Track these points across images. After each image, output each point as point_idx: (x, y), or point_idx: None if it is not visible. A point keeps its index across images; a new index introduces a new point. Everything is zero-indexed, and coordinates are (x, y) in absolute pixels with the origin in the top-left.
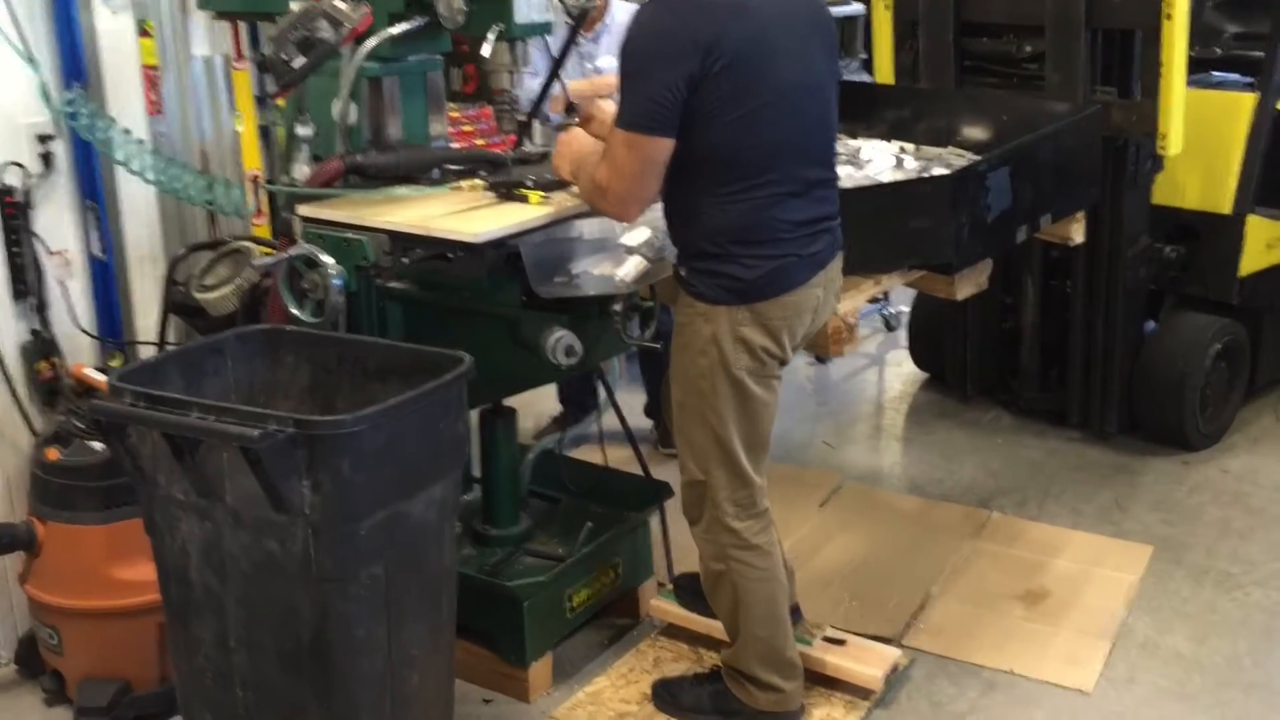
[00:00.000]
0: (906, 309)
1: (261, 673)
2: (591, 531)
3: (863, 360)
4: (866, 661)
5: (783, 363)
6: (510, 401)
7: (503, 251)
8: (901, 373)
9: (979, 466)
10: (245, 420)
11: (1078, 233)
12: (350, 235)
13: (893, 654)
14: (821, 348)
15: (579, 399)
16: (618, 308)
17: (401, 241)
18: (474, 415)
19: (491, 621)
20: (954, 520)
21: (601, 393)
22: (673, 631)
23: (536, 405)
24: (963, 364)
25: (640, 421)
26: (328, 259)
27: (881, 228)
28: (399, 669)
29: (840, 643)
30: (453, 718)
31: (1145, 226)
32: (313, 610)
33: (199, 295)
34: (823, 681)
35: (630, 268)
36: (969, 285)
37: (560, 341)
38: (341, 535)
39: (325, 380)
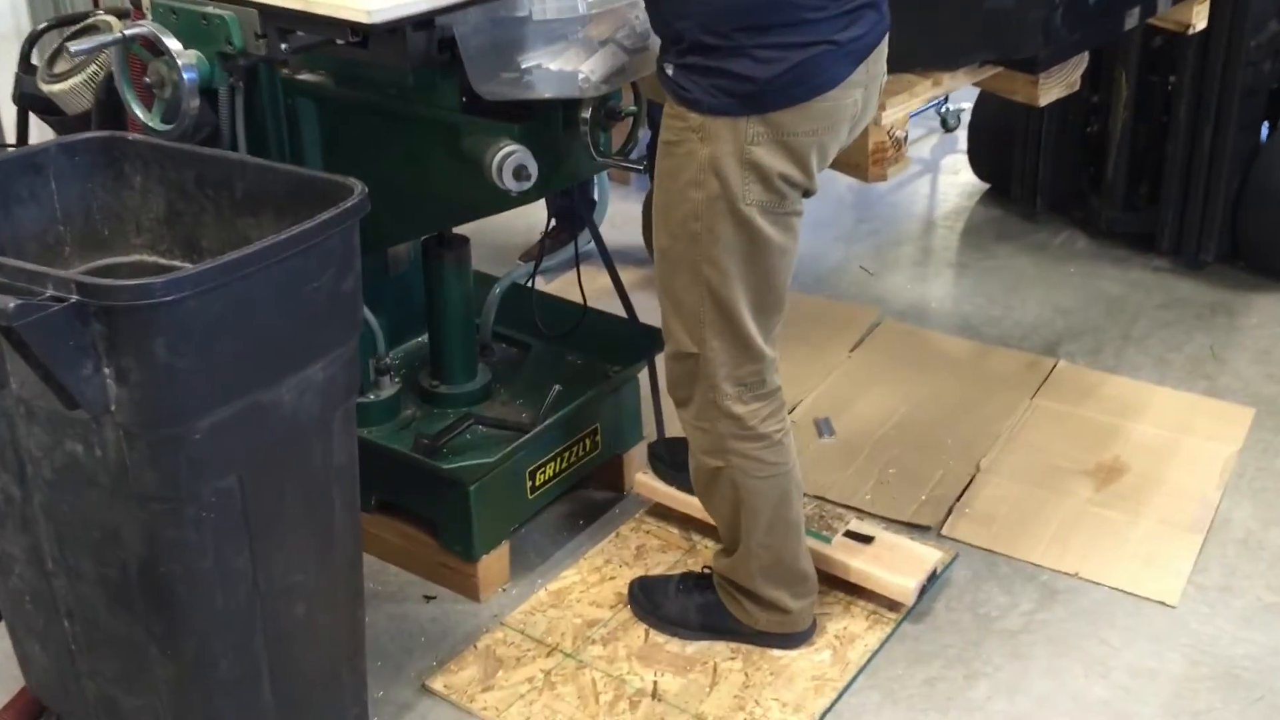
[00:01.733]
0: (968, 106)
1: (87, 604)
2: (561, 395)
3: (912, 167)
4: (897, 567)
5: (807, 193)
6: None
7: (430, 36)
8: (958, 183)
9: (1045, 302)
10: (12, 280)
11: (1199, 17)
12: (210, 11)
13: (930, 557)
14: (856, 168)
15: (573, 211)
16: (586, 115)
17: (275, 21)
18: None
19: (432, 507)
20: (1012, 371)
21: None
22: (661, 512)
23: (530, 215)
24: (1033, 174)
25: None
26: (174, 43)
27: (946, 8)
28: (273, 601)
29: (866, 539)
30: (364, 647)
31: (1275, 9)
32: (138, 536)
33: (45, 86)
34: (842, 585)
35: (599, 62)
36: (1056, 87)
37: (509, 159)
38: (166, 440)
39: (185, 210)
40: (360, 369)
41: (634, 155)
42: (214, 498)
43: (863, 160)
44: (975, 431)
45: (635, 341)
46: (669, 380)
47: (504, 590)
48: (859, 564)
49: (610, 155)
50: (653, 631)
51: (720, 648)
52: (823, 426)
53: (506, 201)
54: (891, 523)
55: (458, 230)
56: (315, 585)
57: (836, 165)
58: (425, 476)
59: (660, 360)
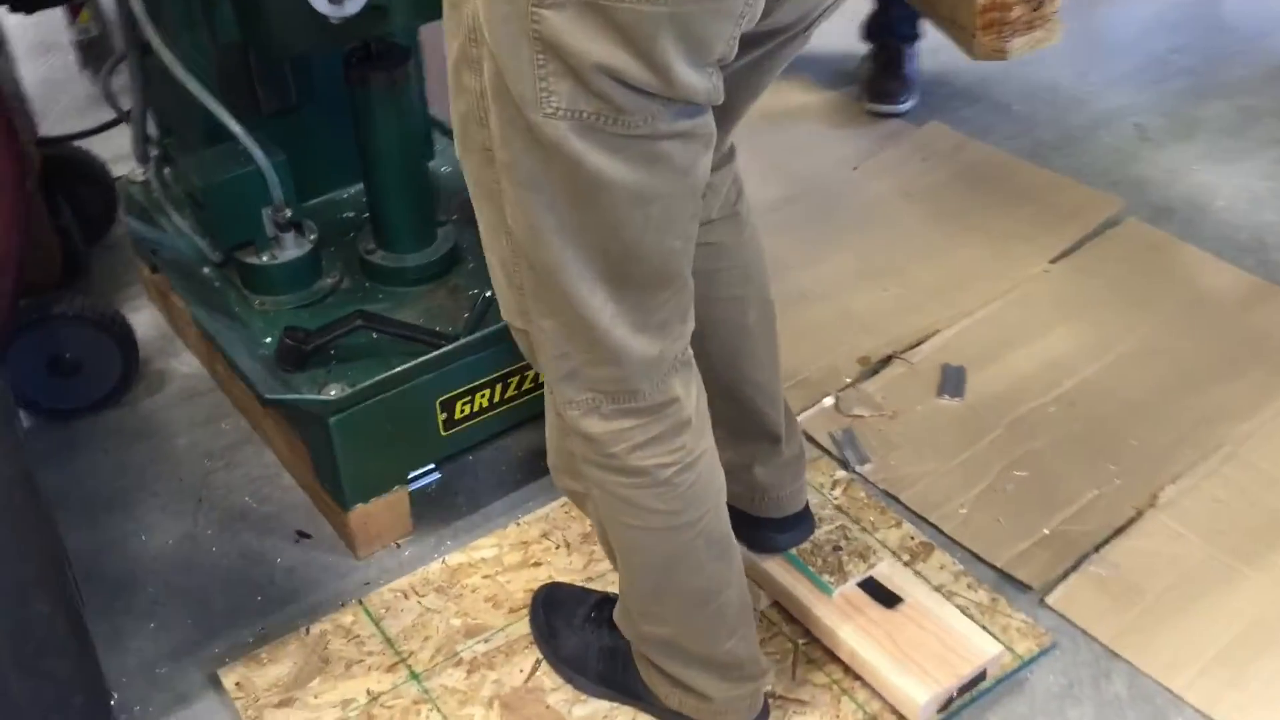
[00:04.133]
0: None
1: None
2: (488, 302)
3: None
4: (919, 658)
5: (690, 102)
6: None
7: None
8: None
9: None
10: None
11: None
12: None
13: (982, 651)
14: (960, 31)
15: None
16: None
17: None
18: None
19: (302, 428)
20: None
21: None
22: None
23: None
24: None
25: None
26: None
27: None
28: None
29: (889, 600)
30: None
31: None
32: None
33: None
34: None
35: None
36: None
37: None
38: None
39: None
40: None
41: None
42: None
43: (967, 19)
44: (1186, 431)
45: None
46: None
47: (398, 546)
48: (860, 640)
49: None
50: (544, 666)
51: (626, 715)
52: (949, 379)
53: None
54: (976, 563)
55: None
56: None
57: (934, 21)
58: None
59: None
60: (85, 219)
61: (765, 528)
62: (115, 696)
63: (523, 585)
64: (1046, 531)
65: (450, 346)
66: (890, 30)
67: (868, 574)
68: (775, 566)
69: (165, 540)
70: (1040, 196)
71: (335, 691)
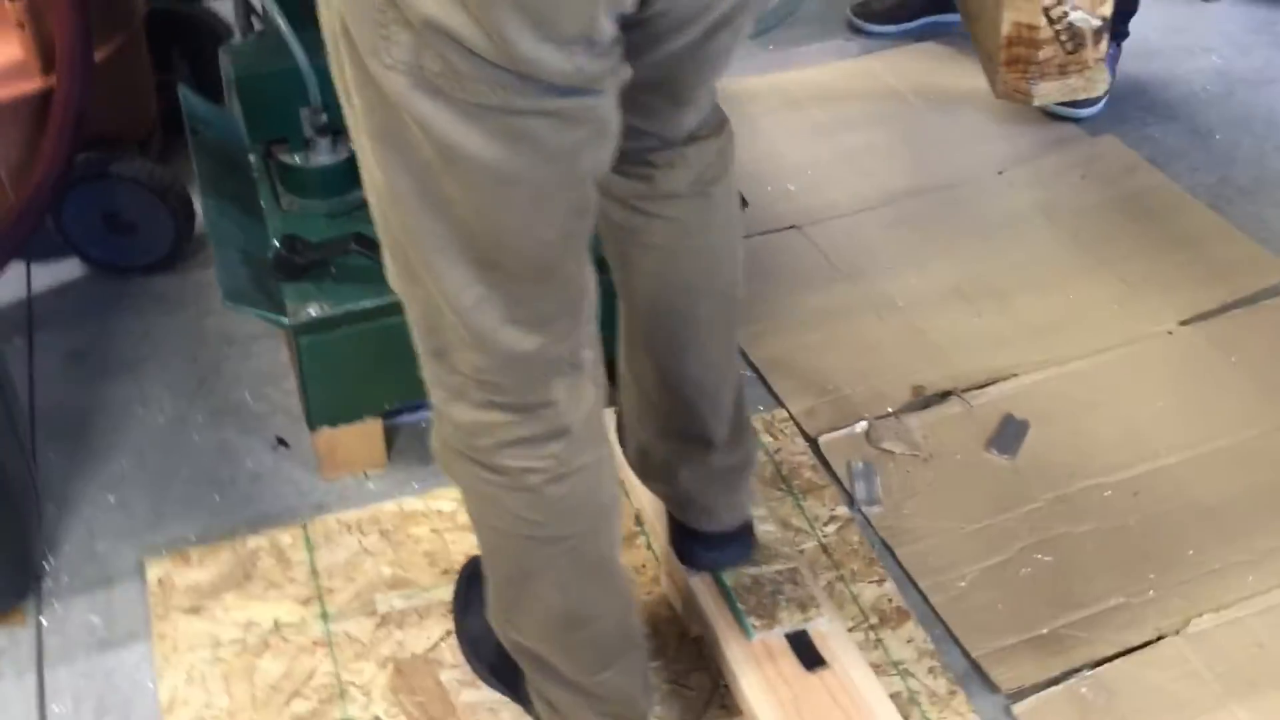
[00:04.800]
0: None
1: None
2: None
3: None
4: None
5: (551, 82)
6: None
7: None
8: None
9: None
10: None
11: None
12: None
13: None
14: (989, 61)
15: None
16: None
17: None
18: None
19: (293, 346)
20: None
21: None
22: None
23: None
24: None
25: None
26: None
27: None
28: None
29: (813, 660)
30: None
31: None
32: None
33: None
34: None
35: None
36: None
37: None
38: None
39: None
40: None
41: None
42: None
43: (994, 48)
44: (1257, 558)
45: None
46: None
47: (365, 477)
48: (760, 695)
49: None
50: (452, 639)
51: (512, 713)
52: (1005, 432)
53: None
54: (951, 646)
55: None
56: None
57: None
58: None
59: None
60: (205, 83)
61: (690, 539)
62: (51, 562)
63: (466, 548)
64: (1045, 631)
65: None
66: None
67: (800, 627)
68: (704, 590)
69: (158, 417)
70: (1199, 244)
71: (245, 611)
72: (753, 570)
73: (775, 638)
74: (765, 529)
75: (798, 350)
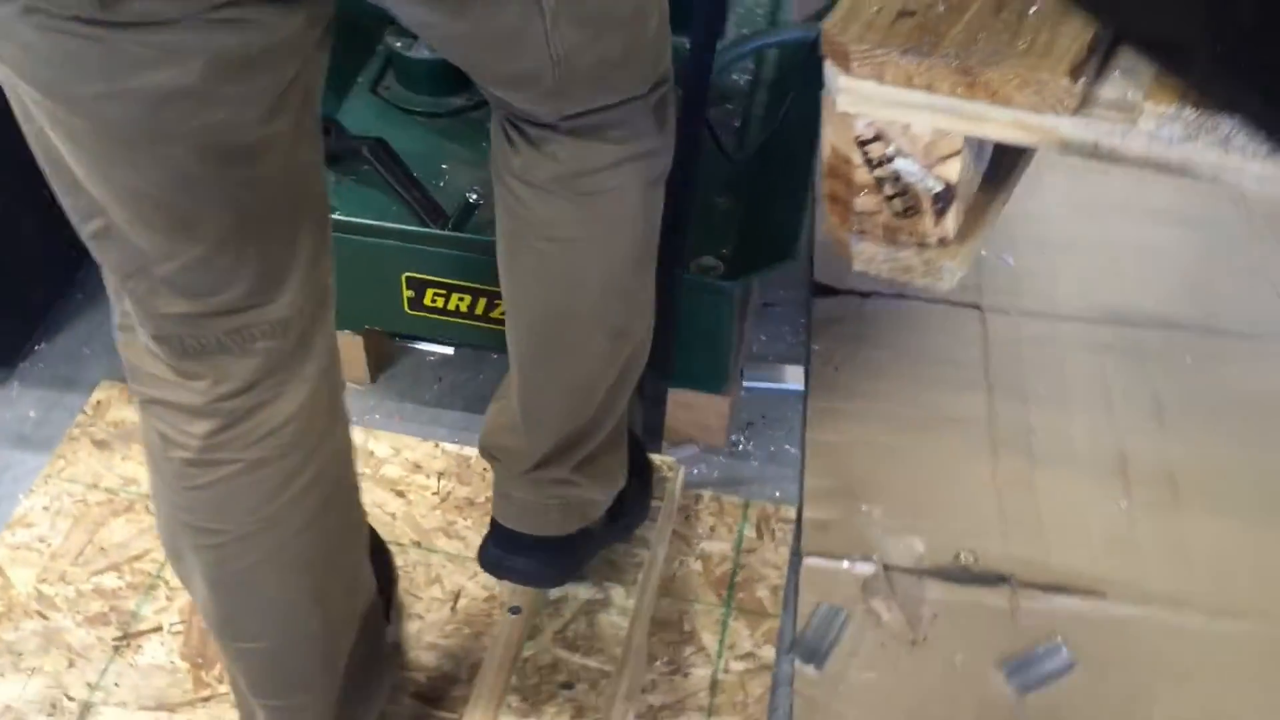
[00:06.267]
0: None
1: None
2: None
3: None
4: None
5: None
6: None
7: None
8: None
9: None
10: None
11: None
12: None
13: None
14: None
15: None
16: None
17: None
18: None
19: None
20: None
21: None
22: None
23: None
24: None
25: None
26: None
27: None
28: None
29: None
30: None
31: None
32: None
33: None
34: None
35: None
36: None
37: None
38: None
39: None
40: None
41: None
42: None
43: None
44: None
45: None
46: None
47: None
48: None
49: None
50: None
51: None
52: (1038, 660)
53: None
54: None
55: None
56: None
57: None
58: None
59: None
60: None
61: (492, 525)
62: (40, 347)
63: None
64: None
65: (421, 230)
66: None
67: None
68: (500, 635)
69: None
70: None
71: (140, 467)
72: (562, 651)
73: None
74: (613, 620)
75: (864, 448)
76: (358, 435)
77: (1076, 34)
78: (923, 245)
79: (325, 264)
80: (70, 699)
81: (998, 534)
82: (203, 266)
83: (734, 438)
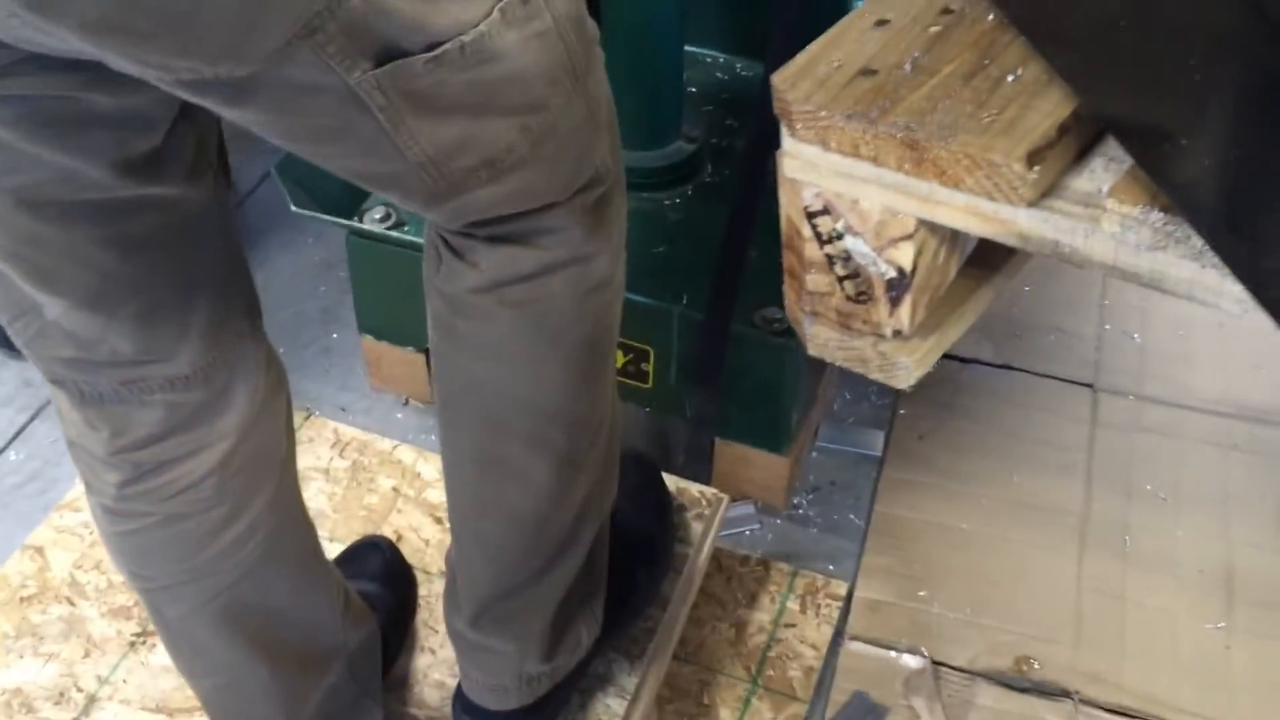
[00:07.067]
0: None
1: None
2: None
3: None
4: None
5: None
6: None
7: None
8: None
9: None
10: None
11: None
12: None
13: None
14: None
15: None
16: None
17: None
18: None
19: None
20: None
21: None
22: None
23: None
24: None
25: None
26: None
27: None
28: None
29: None
30: None
31: None
32: None
33: None
34: None
35: None
36: None
37: None
38: None
39: None
40: None
41: None
42: None
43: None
44: None
45: None
46: None
47: (405, 403)
48: None
49: None
50: None
51: None
52: None
53: None
54: None
55: None
56: None
57: None
58: None
59: None
60: None
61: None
62: None
63: (405, 521)
64: None
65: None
66: None
67: None
68: None
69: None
70: None
71: None
72: None
73: None
74: (609, 704)
75: (936, 529)
76: (407, 454)
77: (1051, 110)
78: (878, 336)
79: (237, 325)
80: (79, 690)
81: (1069, 642)
82: (77, 320)
83: (796, 500)
